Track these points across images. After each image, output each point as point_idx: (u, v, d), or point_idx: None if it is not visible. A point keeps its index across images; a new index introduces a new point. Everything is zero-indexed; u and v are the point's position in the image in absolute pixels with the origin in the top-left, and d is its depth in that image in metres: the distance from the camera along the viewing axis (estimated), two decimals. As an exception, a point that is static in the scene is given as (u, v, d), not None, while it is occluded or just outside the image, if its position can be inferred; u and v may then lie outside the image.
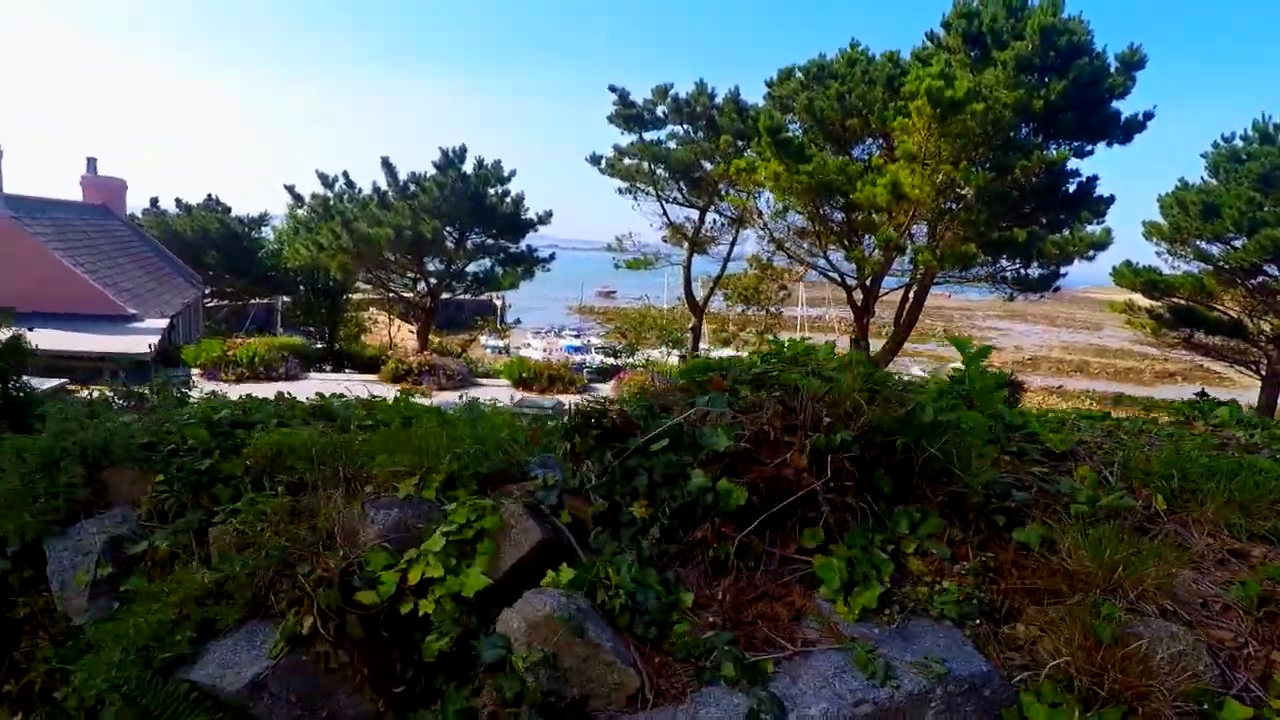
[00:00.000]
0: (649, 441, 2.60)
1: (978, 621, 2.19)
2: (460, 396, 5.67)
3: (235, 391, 5.21)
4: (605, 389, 19.82)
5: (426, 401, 4.66)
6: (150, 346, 14.52)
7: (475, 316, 46.69)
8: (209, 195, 30.45)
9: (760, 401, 2.71)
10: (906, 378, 3.52)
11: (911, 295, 25.02)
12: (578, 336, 52.94)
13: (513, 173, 28.59)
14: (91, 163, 22.89)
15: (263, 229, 30.97)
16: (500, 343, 40.81)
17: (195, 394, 5.30)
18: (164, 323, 16.69)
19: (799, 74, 25.75)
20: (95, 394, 4.95)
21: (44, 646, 3.22)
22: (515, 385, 19.34)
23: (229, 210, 30.60)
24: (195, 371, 16.16)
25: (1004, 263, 21.95)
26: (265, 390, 6.38)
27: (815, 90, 24.52)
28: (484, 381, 19.47)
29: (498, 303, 49.07)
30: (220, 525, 2.97)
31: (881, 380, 2.74)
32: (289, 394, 4.77)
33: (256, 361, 16.74)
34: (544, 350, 41.78)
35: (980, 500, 2.50)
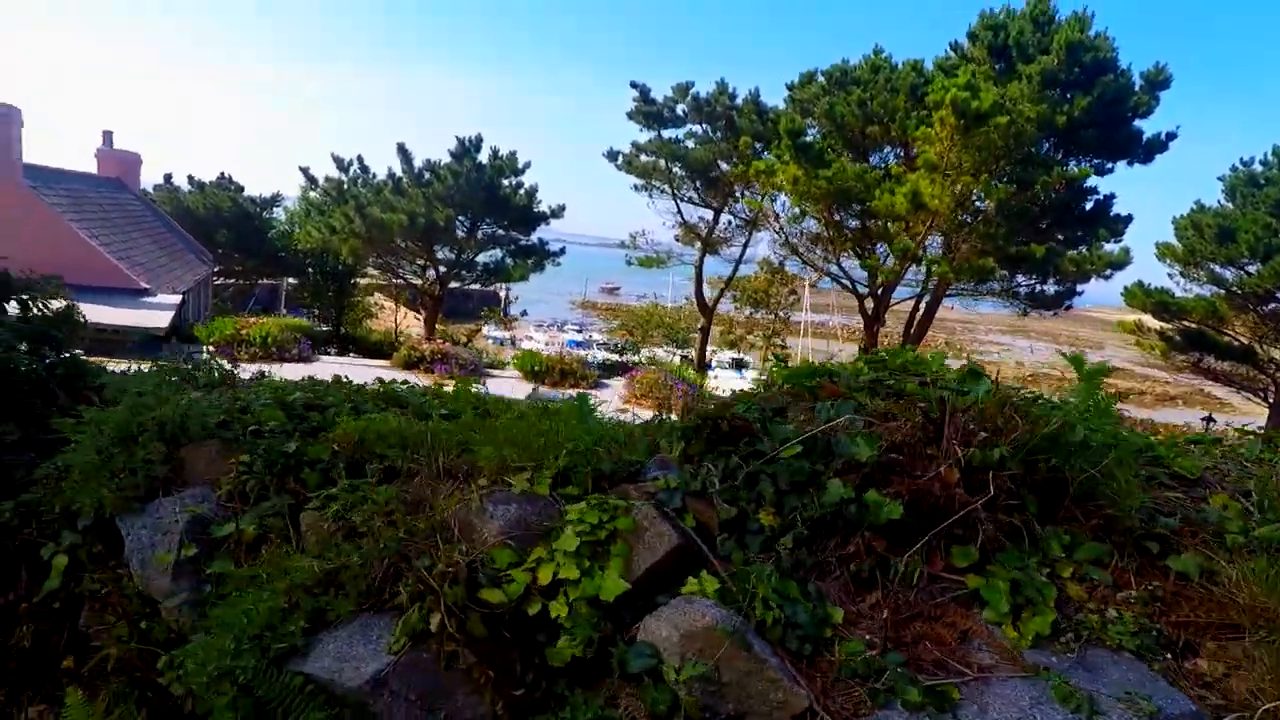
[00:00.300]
0: (778, 447, 2.51)
1: (1165, 655, 2.10)
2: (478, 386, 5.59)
3: (248, 371, 5.12)
4: (617, 385, 19.73)
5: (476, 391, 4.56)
6: (169, 320, 14.38)
7: (480, 307, 46.60)
8: (222, 173, 30.28)
9: (889, 410, 2.62)
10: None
11: (923, 306, 25.02)
12: (580, 331, 52.77)
13: (527, 164, 28.43)
14: (108, 136, 22.71)
15: (274, 209, 30.76)
16: (504, 334, 40.67)
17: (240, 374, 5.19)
18: (177, 299, 16.53)
19: (821, 78, 25.67)
20: (145, 368, 4.83)
21: (118, 625, 3.11)
22: (526, 378, 19.24)
23: (241, 189, 30.42)
24: (208, 350, 16.02)
25: (1020, 278, 21.90)
26: (279, 371, 6.25)
27: (837, 95, 24.43)
28: (495, 372, 19.36)
29: (502, 294, 48.95)
30: (314, 511, 2.87)
31: (1008, 395, 2.65)
32: (346, 377, 4.67)
33: (269, 342, 16.59)
34: (546, 343, 41.68)
35: (1133, 525, 2.41)
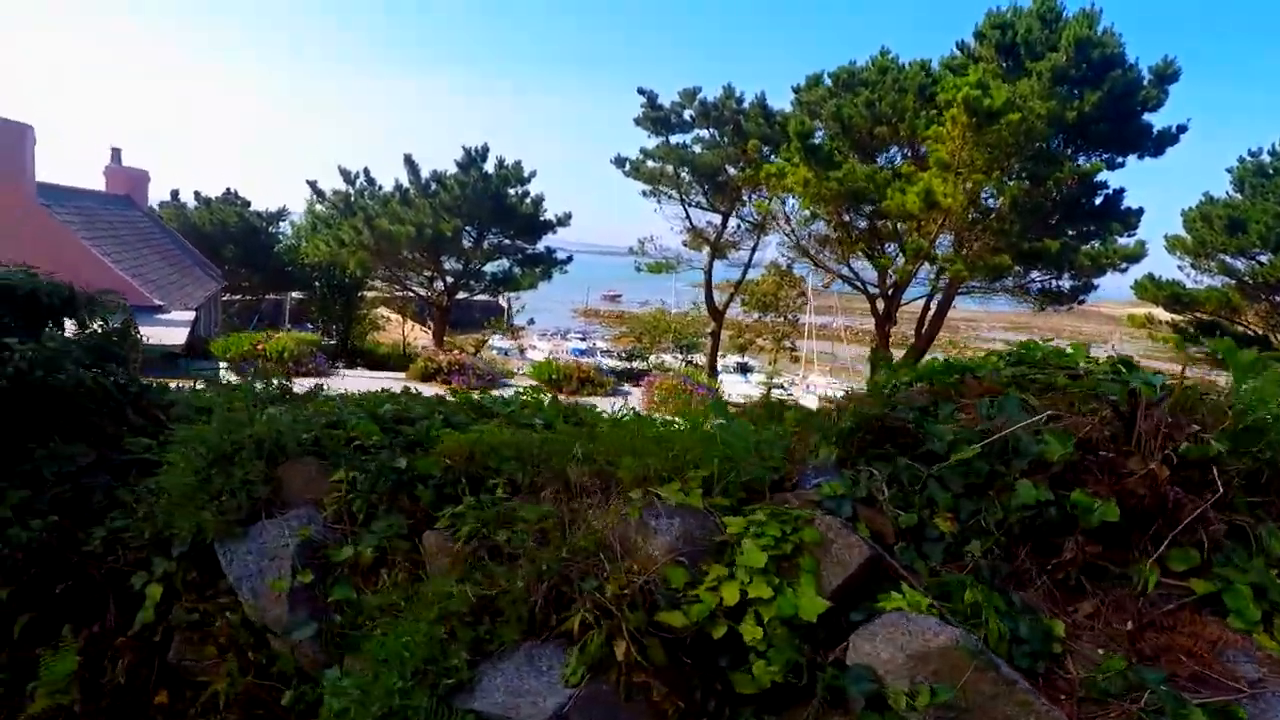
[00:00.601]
0: (946, 447, 2.35)
1: None
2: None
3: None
4: (635, 392, 19.56)
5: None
6: (185, 337, 14.19)
7: (485, 317, 46.38)
8: (228, 189, 30.12)
9: (1053, 405, 2.47)
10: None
11: (934, 305, 24.91)
12: (584, 339, 52.56)
13: (533, 174, 28.40)
14: (116, 153, 22.57)
15: (280, 224, 30.61)
16: (509, 344, 40.45)
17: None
18: (191, 315, 16.34)
19: (828, 80, 25.65)
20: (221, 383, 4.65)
21: (227, 658, 2.93)
22: (545, 386, 19.04)
23: (248, 204, 30.26)
24: (223, 365, 15.83)
25: (1034, 274, 21.82)
26: (298, 386, 6.07)
27: (843, 97, 24.41)
28: (511, 382, 19.18)
29: (504, 304, 48.73)
30: (440, 532, 2.69)
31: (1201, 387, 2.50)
32: (411, 390, 4.50)
33: (286, 356, 16.41)
34: (550, 352, 41.49)
35: (1355, 520, 2.27)
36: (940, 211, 19.93)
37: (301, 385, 5.09)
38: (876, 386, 2.95)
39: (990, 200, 21.07)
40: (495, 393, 5.63)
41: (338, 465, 3.16)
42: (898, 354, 26.49)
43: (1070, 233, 22.50)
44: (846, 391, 3.07)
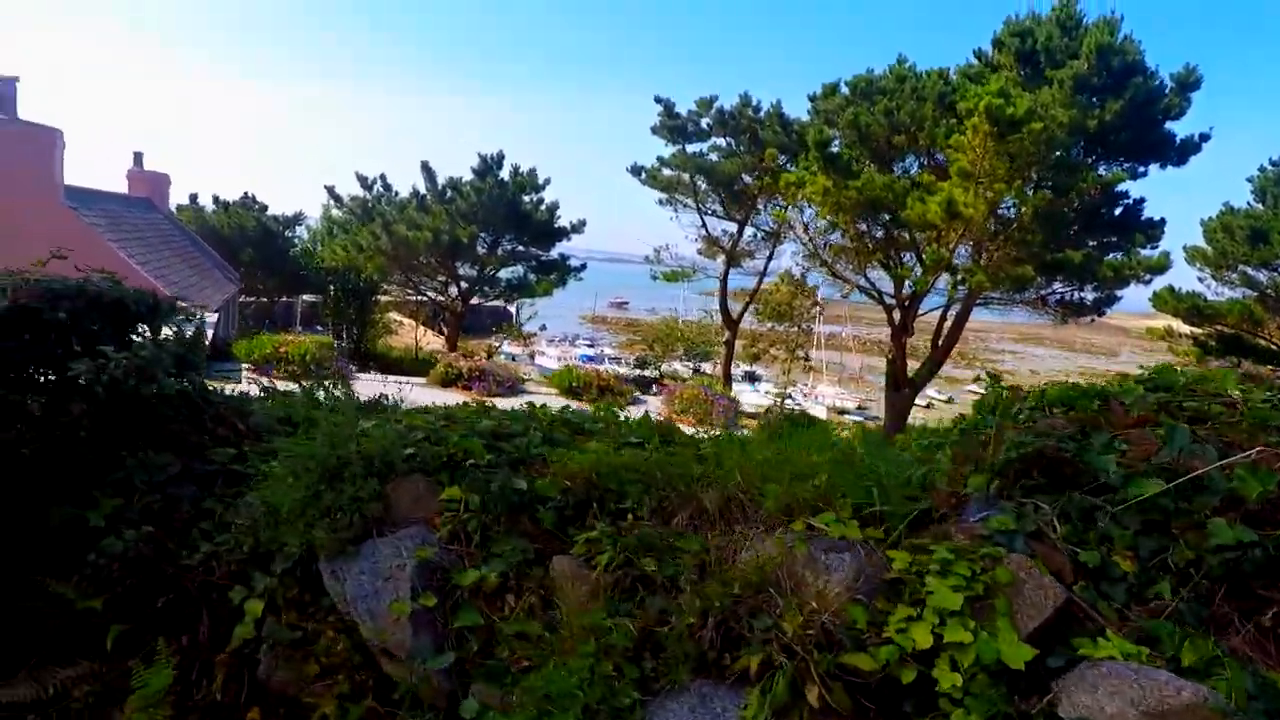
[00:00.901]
0: (1126, 482, 2.23)
1: None
2: (518, 403, 5.35)
3: (288, 388, 4.90)
4: (653, 401, 19.43)
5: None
6: (209, 338, 14.11)
7: (494, 323, 46.32)
8: (245, 193, 30.19)
9: (1218, 434, 2.35)
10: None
11: (951, 316, 24.77)
12: (591, 346, 52.50)
13: (547, 180, 28.42)
14: (138, 156, 22.66)
15: (297, 228, 30.64)
16: (518, 350, 40.37)
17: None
18: (213, 317, 16.26)
19: (844, 89, 25.61)
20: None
21: (339, 680, 2.82)
22: (564, 394, 18.92)
23: (265, 208, 30.31)
24: (246, 367, 15.75)
25: (1056, 285, 21.70)
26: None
27: (860, 105, 24.36)
28: (531, 389, 19.05)
29: (513, 310, 48.66)
30: (572, 558, 2.58)
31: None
32: (542, 404, 4.41)
33: (308, 360, 16.33)
34: (558, 359, 41.41)
35: None
36: (962, 221, 19.84)
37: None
38: (1007, 411, 2.82)
39: (1010, 210, 20.98)
40: (513, 400, 5.56)
41: (446, 483, 3.05)
42: (913, 365, 26.38)
43: (1091, 243, 22.39)
44: (978, 418, 2.93)
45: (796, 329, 31.18)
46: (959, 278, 21.87)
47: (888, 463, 2.46)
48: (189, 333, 4.42)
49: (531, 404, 4.36)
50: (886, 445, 2.72)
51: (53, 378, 3.47)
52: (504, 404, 8.00)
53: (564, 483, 2.88)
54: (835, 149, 23.35)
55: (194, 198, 29.94)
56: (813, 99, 26.35)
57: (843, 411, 35.98)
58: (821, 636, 1.98)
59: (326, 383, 4.31)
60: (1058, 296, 23.05)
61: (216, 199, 30.09)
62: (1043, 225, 20.10)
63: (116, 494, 3.30)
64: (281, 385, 5.28)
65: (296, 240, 30.55)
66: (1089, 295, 21.70)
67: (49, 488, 3.19)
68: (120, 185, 21.35)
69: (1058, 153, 20.08)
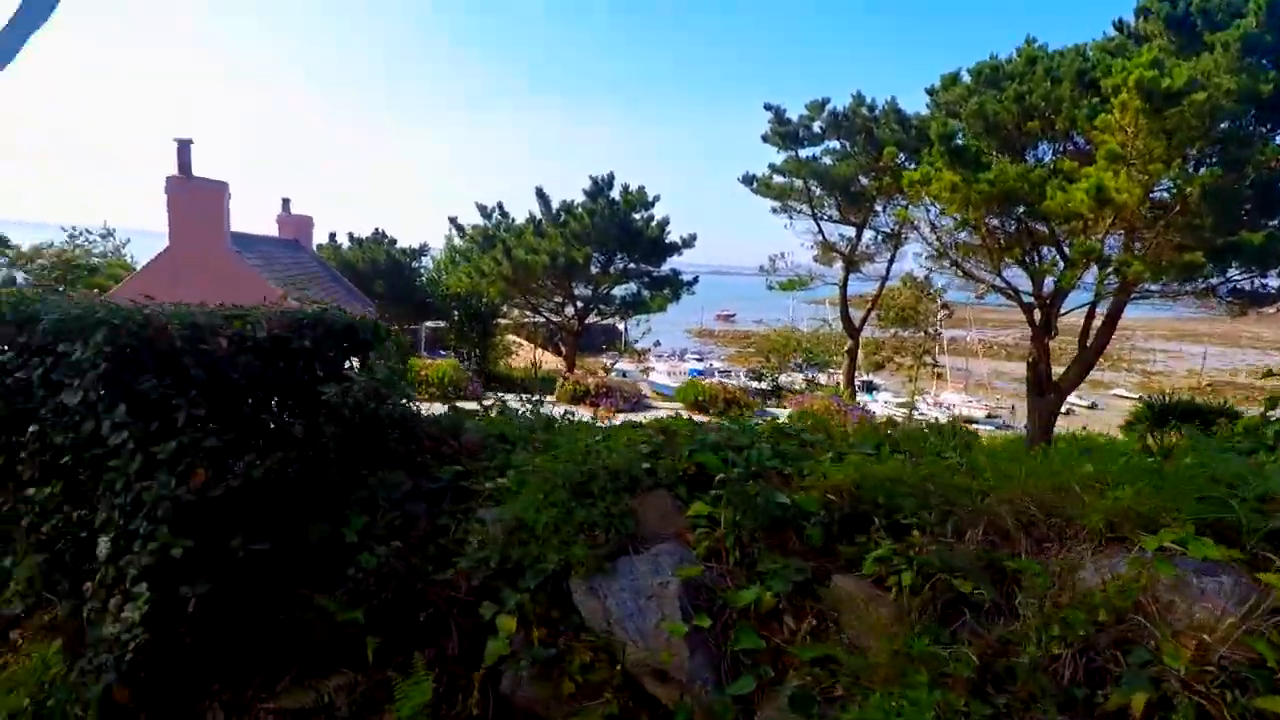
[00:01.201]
0: None
1: None
2: (648, 418, 5.11)
3: (429, 410, 4.91)
4: (781, 414, 18.98)
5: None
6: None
7: (603, 340, 47.14)
8: (376, 229, 32.42)
9: None
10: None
11: (1100, 314, 22.72)
12: (700, 360, 52.30)
13: (656, 198, 28.64)
14: (286, 203, 24.80)
15: (422, 259, 32.52)
16: (631, 366, 40.78)
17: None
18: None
19: (966, 77, 24.34)
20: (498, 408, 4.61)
21: (607, 701, 2.72)
22: (689, 408, 18.77)
23: (394, 242, 32.38)
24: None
25: (1232, 272, 19.45)
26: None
27: (986, 94, 23.01)
28: (657, 404, 19.08)
29: (622, 327, 49.34)
30: (858, 578, 2.37)
31: None
32: (682, 417, 4.22)
33: (445, 381, 17.10)
34: (668, 373, 41.45)
35: None
36: (1113, 208, 18.21)
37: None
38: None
39: (1167, 193, 19.04)
40: (640, 415, 5.44)
41: (684, 498, 2.93)
42: (1057, 371, 24.38)
43: (1272, 223, 19.97)
44: None
45: (922, 334, 29.62)
46: (1111, 270, 20.06)
47: (1252, 477, 2.10)
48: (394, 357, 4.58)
49: (675, 416, 4.21)
50: (1223, 451, 2.34)
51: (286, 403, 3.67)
52: (635, 418, 7.96)
53: (826, 496, 2.68)
54: (959, 141, 22.16)
55: (332, 236, 32.51)
56: (931, 92, 25.20)
57: (971, 420, 33.80)
58: (1220, 674, 1.68)
59: (515, 402, 4.35)
60: (1231, 285, 20.66)
61: (351, 235, 32.52)
62: (1212, 206, 18.10)
63: (363, 511, 3.41)
64: (424, 407, 5.46)
65: (422, 270, 32.41)
66: (1272, 282, 19.27)
67: (307, 506, 3.34)
68: (258, 224, 23.50)
69: (1224, 124, 18.08)
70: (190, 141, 18.36)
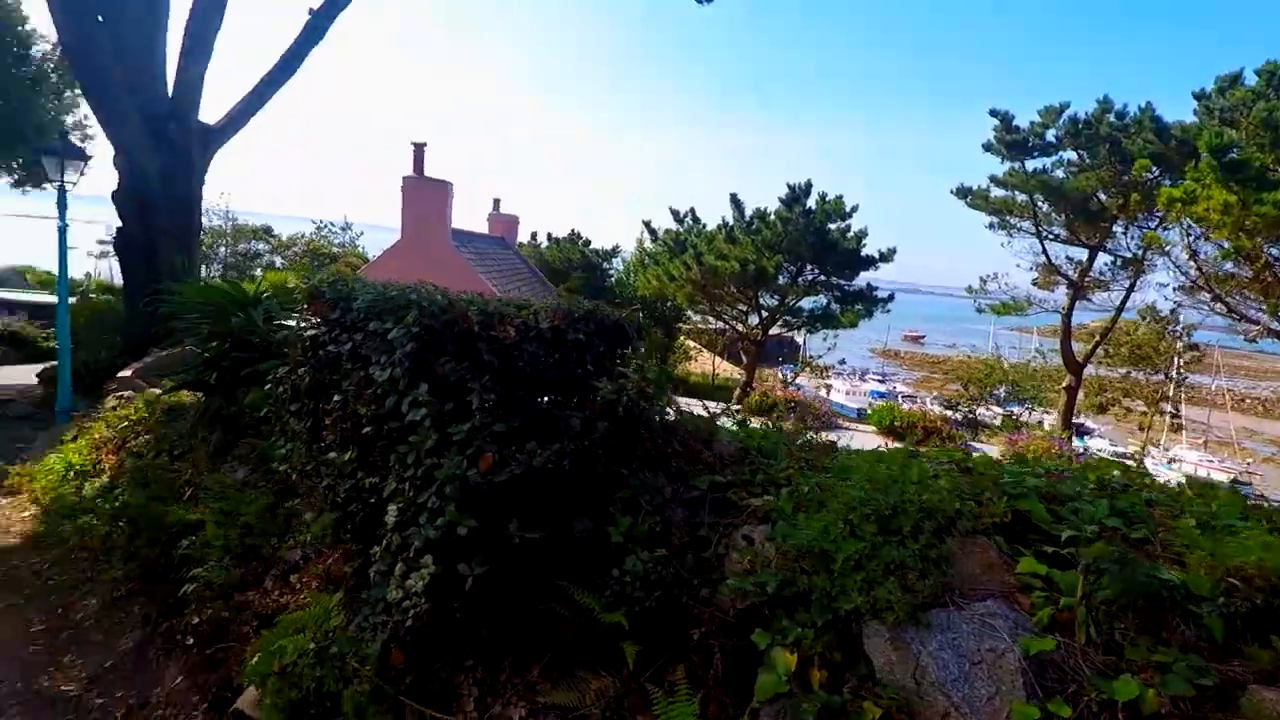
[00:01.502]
0: None
1: None
2: (839, 440, 4.50)
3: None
4: (992, 450, 17.14)
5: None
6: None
7: (779, 353, 45.98)
8: (572, 230, 34.20)
9: None
10: None
11: None
12: (882, 381, 49.25)
13: (854, 208, 27.30)
14: (496, 203, 26.84)
15: (613, 260, 33.73)
16: (808, 382, 39.36)
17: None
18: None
19: (1251, 79, 20.67)
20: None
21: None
22: (883, 433, 17.57)
23: (589, 243, 33.92)
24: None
25: None
26: None
27: (1275, 99, 19.33)
28: (850, 426, 18.07)
29: (799, 340, 47.78)
30: (1274, 690, 1.79)
31: None
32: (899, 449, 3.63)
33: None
34: (847, 392, 39.42)
35: None
36: None
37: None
38: None
39: None
40: (829, 437, 4.83)
41: (1003, 547, 2.45)
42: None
43: None
44: None
45: (1161, 376, 25.52)
46: None
47: None
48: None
49: (983, 454, 3.62)
50: None
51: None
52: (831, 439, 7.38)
53: (1225, 579, 2.11)
54: (1236, 154, 18.80)
55: (533, 235, 34.68)
56: (1201, 96, 21.68)
57: (1212, 485, 28.46)
58: None
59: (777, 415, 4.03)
60: None
61: (550, 235, 34.53)
62: None
63: (625, 512, 3.31)
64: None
65: (612, 271, 33.56)
66: None
67: (573, 500, 3.29)
68: (466, 221, 25.30)
69: None
70: (425, 144, 20.30)
